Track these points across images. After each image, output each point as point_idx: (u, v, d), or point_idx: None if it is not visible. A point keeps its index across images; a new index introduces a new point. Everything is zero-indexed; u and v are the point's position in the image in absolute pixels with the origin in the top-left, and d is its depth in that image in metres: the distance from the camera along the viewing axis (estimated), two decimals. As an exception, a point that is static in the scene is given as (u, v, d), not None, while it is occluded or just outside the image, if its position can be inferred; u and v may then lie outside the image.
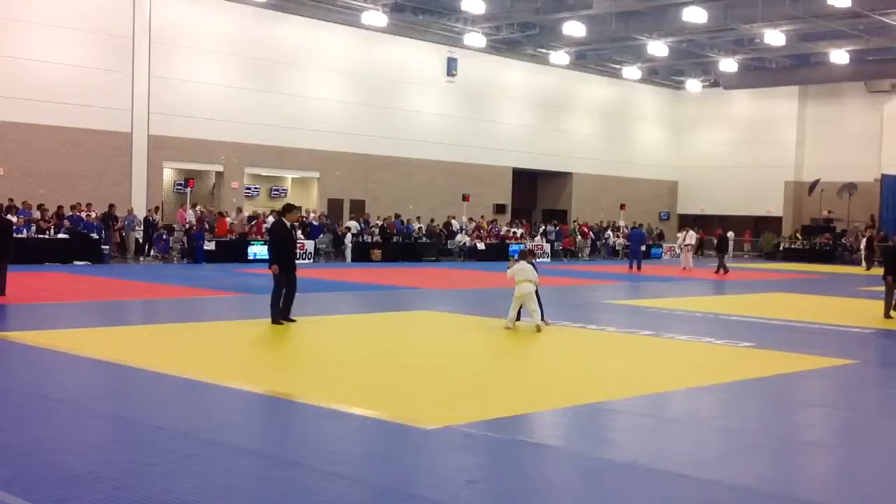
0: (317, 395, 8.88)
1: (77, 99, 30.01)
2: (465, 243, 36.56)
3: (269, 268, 14.11)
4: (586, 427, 8.18)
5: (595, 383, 10.10)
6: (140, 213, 30.43)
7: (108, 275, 23.32)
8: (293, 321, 13.92)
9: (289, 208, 14.78)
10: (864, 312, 19.16)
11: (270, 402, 8.62)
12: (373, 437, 7.51)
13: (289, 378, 9.83)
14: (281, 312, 13.91)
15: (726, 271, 30.79)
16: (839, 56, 39.33)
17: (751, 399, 9.68)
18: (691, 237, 34.38)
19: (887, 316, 17.58)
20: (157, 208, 30.93)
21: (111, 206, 29.15)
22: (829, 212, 45.16)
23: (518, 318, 14.43)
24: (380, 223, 34.92)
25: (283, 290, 13.98)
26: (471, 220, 38.78)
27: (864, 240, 40.06)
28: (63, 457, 6.48)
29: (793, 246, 44.36)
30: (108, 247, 28.06)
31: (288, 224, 14.56)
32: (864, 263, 36.80)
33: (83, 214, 28.33)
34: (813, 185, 45.20)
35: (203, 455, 6.63)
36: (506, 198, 43.86)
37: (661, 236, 45.15)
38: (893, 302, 17.73)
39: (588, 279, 27.73)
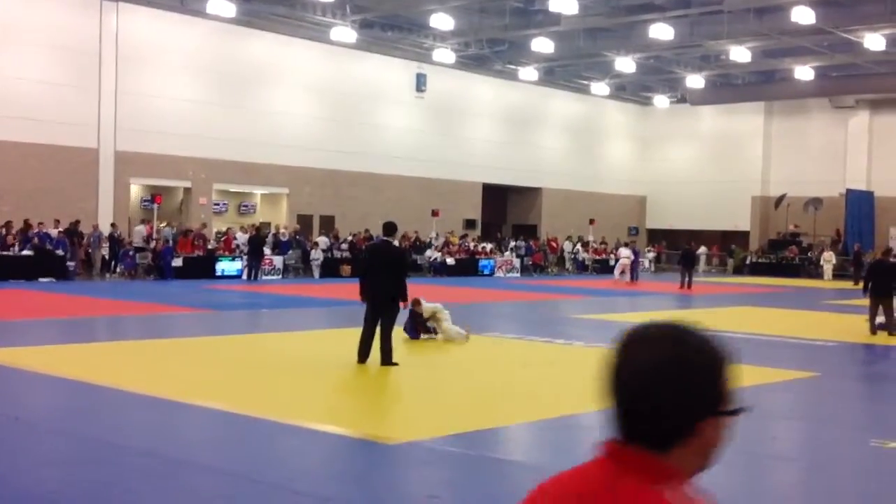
0: (281, 412, 8.83)
1: (43, 115, 29.72)
2: (435, 259, 36.58)
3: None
4: (550, 441, 8.20)
5: (560, 397, 10.12)
6: (107, 229, 30.15)
7: (74, 292, 23.10)
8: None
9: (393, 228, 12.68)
10: (829, 325, 19.35)
11: (235, 419, 8.56)
12: (337, 454, 7.49)
13: (254, 395, 9.77)
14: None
15: (689, 287, 30.80)
16: (804, 72, 39.84)
17: (714, 412, 9.73)
18: (629, 252, 35.07)
19: (873, 332, 17.16)
20: (113, 224, 30.41)
21: (76, 223, 28.86)
22: (796, 226, 45.62)
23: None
24: (350, 238, 34.86)
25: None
26: (438, 235, 38.79)
27: (827, 254, 40.59)
28: (19, 477, 6.39)
29: (759, 260, 44.77)
30: (73, 263, 27.79)
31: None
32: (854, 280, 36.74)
33: (51, 231, 28.04)
34: (779, 200, 45.64)
35: (166, 473, 6.58)
36: (476, 213, 43.93)
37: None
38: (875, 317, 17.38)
39: (557, 294, 27.83)
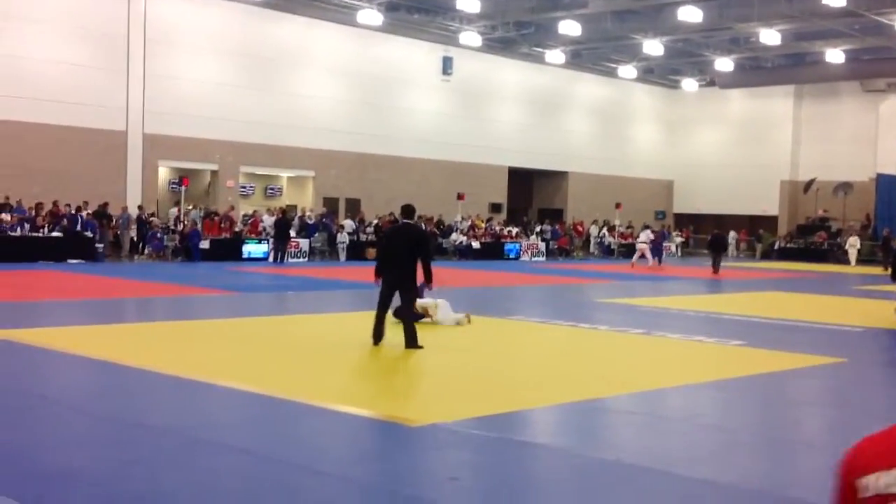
0: (305, 393, 8.85)
1: (72, 97, 29.94)
2: (460, 242, 36.55)
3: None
4: (574, 424, 8.17)
5: (584, 381, 10.08)
6: (134, 211, 30.38)
7: (102, 273, 23.29)
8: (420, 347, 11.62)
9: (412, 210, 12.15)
10: (857, 311, 19.17)
11: (258, 400, 8.58)
12: (359, 435, 7.50)
13: (278, 376, 9.81)
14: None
15: (716, 271, 30.65)
16: (835, 55, 39.33)
17: (740, 397, 9.68)
18: (646, 235, 34.67)
19: None
20: (140, 207, 30.67)
21: (104, 205, 29.07)
22: (825, 211, 45.12)
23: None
24: (376, 221, 34.89)
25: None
26: (464, 219, 38.72)
27: (853, 238, 39.97)
28: (43, 454, 6.45)
29: (788, 245, 44.37)
30: (102, 245, 28.02)
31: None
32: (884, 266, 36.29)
33: (81, 213, 28.29)
34: (808, 185, 45.18)
35: (187, 452, 6.61)
36: (502, 197, 43.82)
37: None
38: None
39: (582, 278, 27.73)
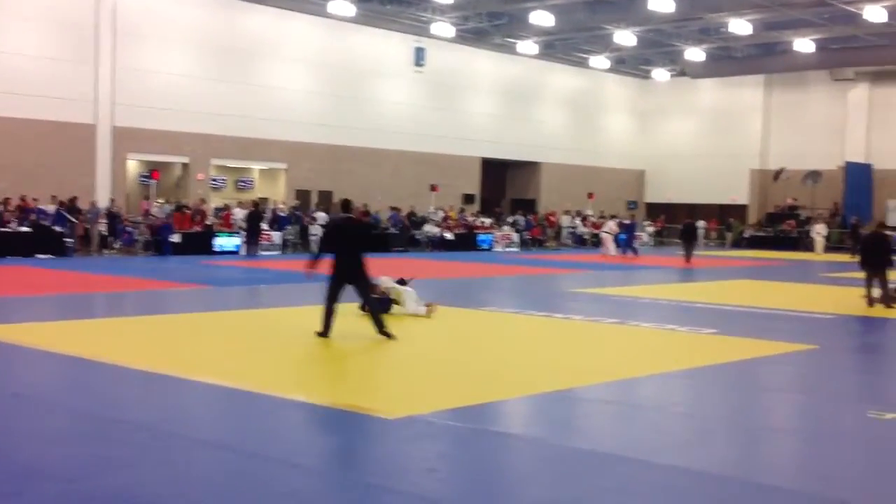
0: (279, 386, 8.84)
1: (40, 90, 29.58)
2: (433, 233, 36.56)
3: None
4: (550, 414, 8.22)
5: (559, 371, 10.13)
6: (105, 205, 30.08)
7: (72, 268, 23.09)
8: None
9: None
10: (827, 298, 19.39)
11: (233, 394, 8.55)
12: (335, 428, 7.50)
13: (251, 370, 9.77)
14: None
15: (688, 260, 30.92)
16: (804, 45, 39.64)
17: (712, 385, 9.77)
18: (610, 227, 34.89)
19: (870, 304, 17.23)
20: (112, 200, 30.42)
21: (73, 199, 28.79)
22: (794, 199, 45.52)
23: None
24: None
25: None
26: (438, 209, 38.73)
27: (819, 226, 40.30)
28: (18, 451, 6.40)
29: (757, 234, 44.74)
30: (71, 240, 27.76)
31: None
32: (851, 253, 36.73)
33: (48, 207, 28.00)
34: (778, 173, 45.54)
35: (163, 448, 6.59)
36: (475, 188, 43.84)
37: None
38: (871, 290, 17.39)
39: (555, 268, 27.83)
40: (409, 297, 14.54)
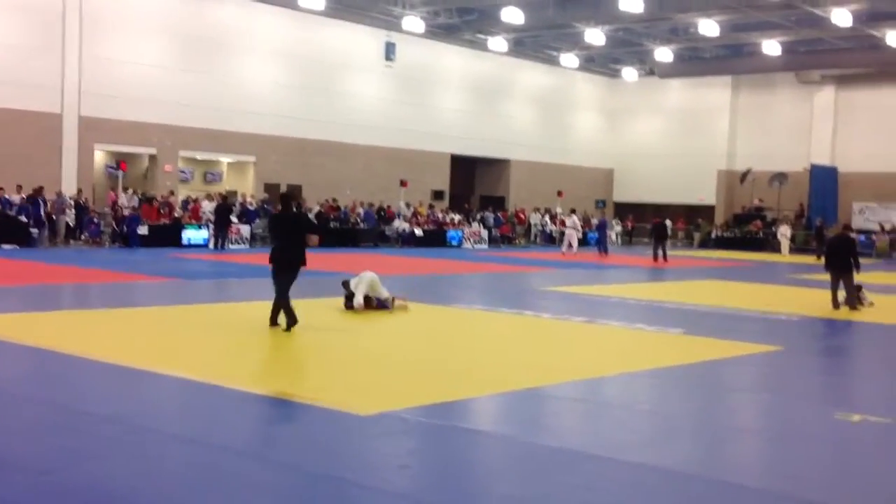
0: (248, 381, 8.83)
1: (4, 78, 29.22)
2: (403, 229, 36.55)
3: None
4: (520, 412, 8.28)
5: (529, 369, 10.20)
6: (71, 195, 29.77)
7: (39, 259, 22.84)
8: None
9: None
10: (792, 299, 19.62)
11: (200, 387, 8.53)
12: (306, 424, 7.51)
13: (220, 364, 9.75)
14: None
15: (665, 259, 31.19)
16: (771, 46, 40.07)
17: (679, 384, 9.88)
18: (573, 221, 34.98)
19: (836, 307, 17.38)
20: (79, 191, 30.17)
21: (39, 189, 28.45)
22: (760, 200, 46.03)
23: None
24: (317, 208, 34.68)
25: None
26: (408, 205, 38.74)
27: (784, 228, 40.70)
28: (-13, 444, 6.36)
29: (724, 234, 45.18)
30: (37, 230, 27.44)
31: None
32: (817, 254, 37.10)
33: (13, 197, 27.66)
34: (745, 175, 46.01)
35: (131, 441, 6.57)
36: (444, 184, 43.88)
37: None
38: (836, 292, 17.55)
39: (525, 266, 27.93)
40: (364, 282, 14.38)
